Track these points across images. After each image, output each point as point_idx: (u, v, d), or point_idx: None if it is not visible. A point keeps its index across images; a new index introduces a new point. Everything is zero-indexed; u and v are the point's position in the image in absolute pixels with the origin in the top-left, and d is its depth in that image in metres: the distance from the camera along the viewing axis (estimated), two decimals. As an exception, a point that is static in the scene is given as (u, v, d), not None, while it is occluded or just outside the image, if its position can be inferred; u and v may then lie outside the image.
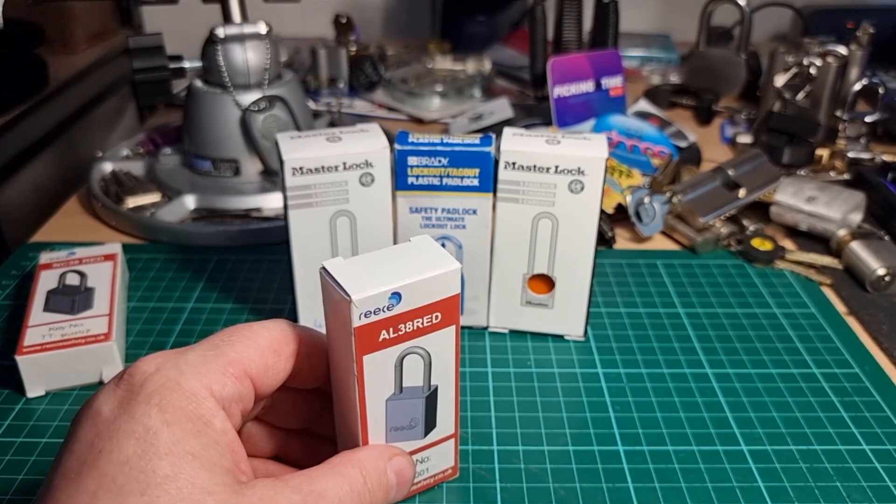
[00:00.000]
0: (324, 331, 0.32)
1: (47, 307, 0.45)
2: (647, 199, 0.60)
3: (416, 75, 0.93)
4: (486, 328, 0.49)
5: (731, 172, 0.62)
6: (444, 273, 0.30)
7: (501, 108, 0.80)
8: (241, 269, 0.56)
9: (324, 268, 0.30)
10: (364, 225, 0.45)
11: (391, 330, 0.30)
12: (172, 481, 0.24)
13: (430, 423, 0.34)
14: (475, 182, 0.44)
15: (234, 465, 0.26)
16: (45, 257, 0.51)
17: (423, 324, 0.31)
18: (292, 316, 0.48)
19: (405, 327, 0.30)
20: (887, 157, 0.72)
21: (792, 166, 0.70)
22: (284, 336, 0.30)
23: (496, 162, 0.44)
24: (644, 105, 0.83)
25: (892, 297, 0.53)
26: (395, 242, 0.46)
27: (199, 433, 0.25)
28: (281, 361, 0.29)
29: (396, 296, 0.29)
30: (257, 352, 0.29)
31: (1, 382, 0.43)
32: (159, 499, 0.23)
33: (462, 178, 0.44)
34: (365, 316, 0.28)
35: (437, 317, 0.31)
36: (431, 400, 0.33)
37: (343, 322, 0.29)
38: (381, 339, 0.30)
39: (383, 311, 0.29)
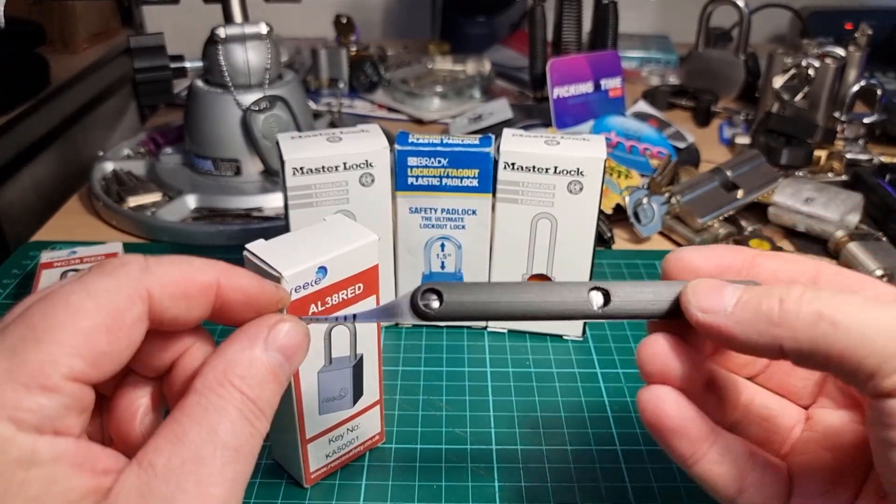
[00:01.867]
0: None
1: (49, 306, 0.45)
2: (645, 200, 0.60)
3: (416, 76, 0.94)
4: (485, 328, 0.49)
5: (729, 173, 0.62)
6: (363, 245, 0.32)
7: (501, 108, 0.80)
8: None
9: (247, 250, 0.31)
10: (364, 225, 0.45)
11: (319, 303, 0.31)
12: None
13: (357, 392, 0.36)
14: (475, 182, 0.44)
15: (87, 489, 0.20)
16: (46, 256, 0.51)
17: (347, 295, 0.33)
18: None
19: (331, 300, 0.32)
20: (885, 159, 0.72)
21: (790, 167, 0.70)
22: (124, 299, 0.22)
23: (495, 162, 0.44)
24: (643, 106, 0.84)
25: (889, 298, 0.53)
26: (394, 243, 0.47)
27: (21, 487, 0.19)
28: (121, 339, 0.21)
29: (323, 269, 0.31)
30: (79, 339, 0.21)
31: (3, 380, 0.43)
32: None
33: (461, 178, 0.44)
34: (295, 291, 0.30)
35: (359, 287, 0.33)
36: (358, 369, 0.35)
37: None
38: (311, 313, 0.31)
39: (312, 285, 0.31)
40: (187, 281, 0.23)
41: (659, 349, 0.26)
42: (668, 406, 0.26)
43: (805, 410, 0.29)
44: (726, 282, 0.25)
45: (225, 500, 0.21)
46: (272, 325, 0.24)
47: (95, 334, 0.21)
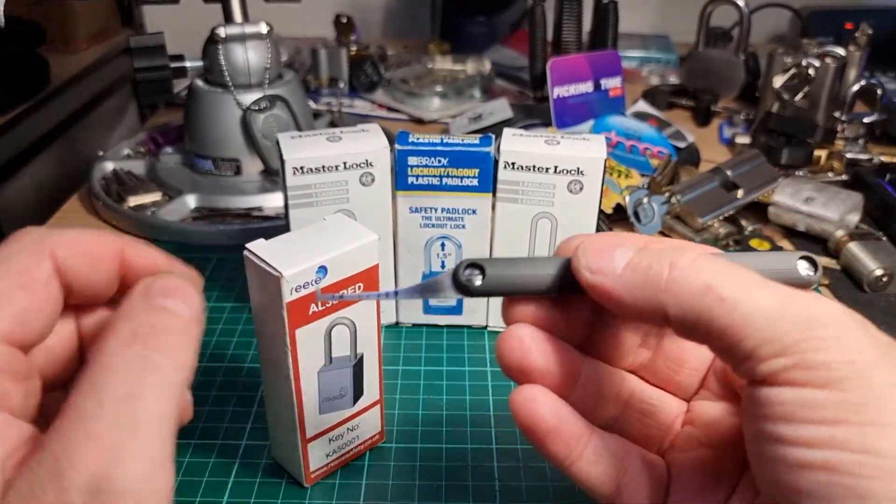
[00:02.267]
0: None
1: (49, 305, 0.45)
2: (645, 200, 0.60)
3: (416, 76, 0.94)
4: (485, 327, 0.49)
5: (729, 173, 0.62)
6: (363, 245, 0.32)
7: (501, 108, 0.80)
8: (242, 268, 0.56)
9: (248, 249, 0.31)
10: (364, 224, 0.45)
11: (319, 303, 0.32)
12: None
13: (357, 391, 0.36)
14: (475, 182, 0.44)
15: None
16: (46, 256, 0.51)
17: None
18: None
19: (331, 299, 0.32)
20: (885, 158, 0.72)
21: (790, 167, 0.70)
22: (31, 256, 0.22)
23: (496, 162, 0.44)
24: (643, 106, 0.84)
25: (890, 298, 0.53)
26: (394, 243, 0.47)
27: None
28: (38, 293, 0.22)
29: (323, 269, 0.31)
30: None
31: (3, 380, 0.43)
32: None
33: (462, 178, 0.44)
34: (296, 290, 0.30)
35: (359, 287, 0.33)
36: (358, 368, 0.36)
37: (274, 299, 0.30)
38: (310, 313, 0.32)
39: (312, 285, 0.31)
40: (88, 241, 0.23)
41: (515, 343, 0.25)
42: (542, 407, 0.25)
43: (687, 404, 0.28)
44: (619, 243, 0.24)
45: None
46: (153, 279, 0.23)
47: (11, 292, 0.21)
